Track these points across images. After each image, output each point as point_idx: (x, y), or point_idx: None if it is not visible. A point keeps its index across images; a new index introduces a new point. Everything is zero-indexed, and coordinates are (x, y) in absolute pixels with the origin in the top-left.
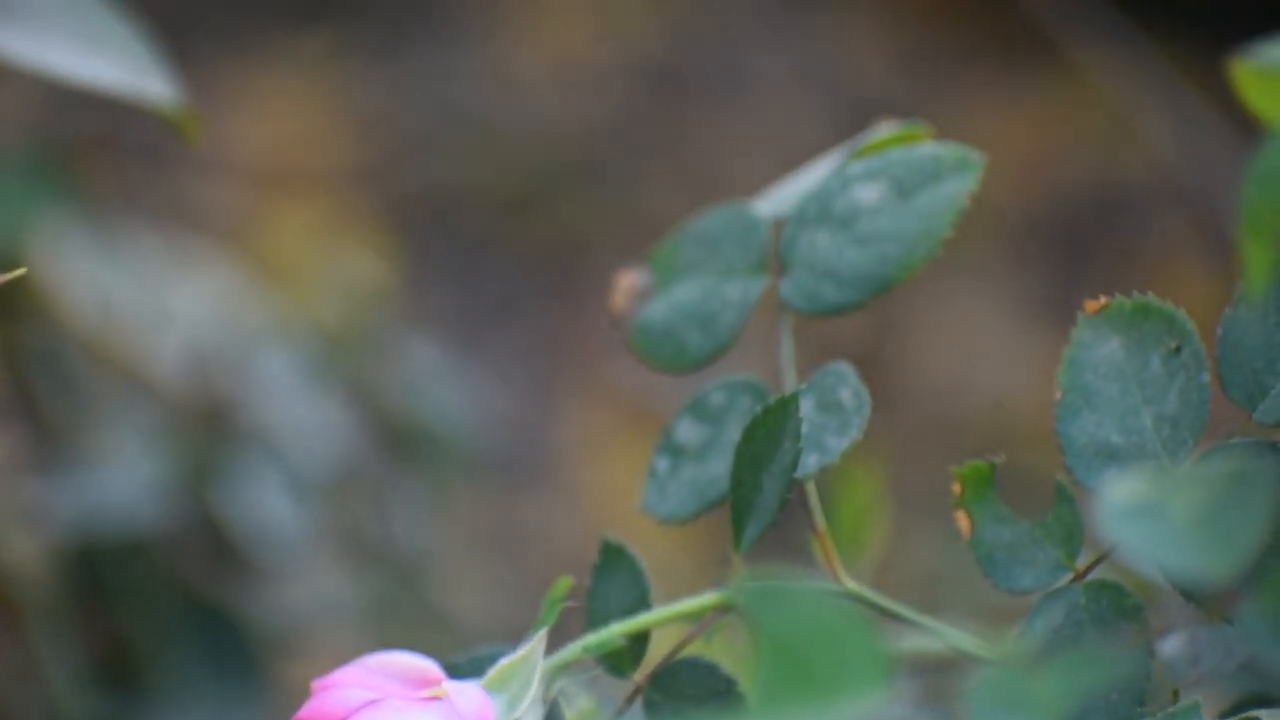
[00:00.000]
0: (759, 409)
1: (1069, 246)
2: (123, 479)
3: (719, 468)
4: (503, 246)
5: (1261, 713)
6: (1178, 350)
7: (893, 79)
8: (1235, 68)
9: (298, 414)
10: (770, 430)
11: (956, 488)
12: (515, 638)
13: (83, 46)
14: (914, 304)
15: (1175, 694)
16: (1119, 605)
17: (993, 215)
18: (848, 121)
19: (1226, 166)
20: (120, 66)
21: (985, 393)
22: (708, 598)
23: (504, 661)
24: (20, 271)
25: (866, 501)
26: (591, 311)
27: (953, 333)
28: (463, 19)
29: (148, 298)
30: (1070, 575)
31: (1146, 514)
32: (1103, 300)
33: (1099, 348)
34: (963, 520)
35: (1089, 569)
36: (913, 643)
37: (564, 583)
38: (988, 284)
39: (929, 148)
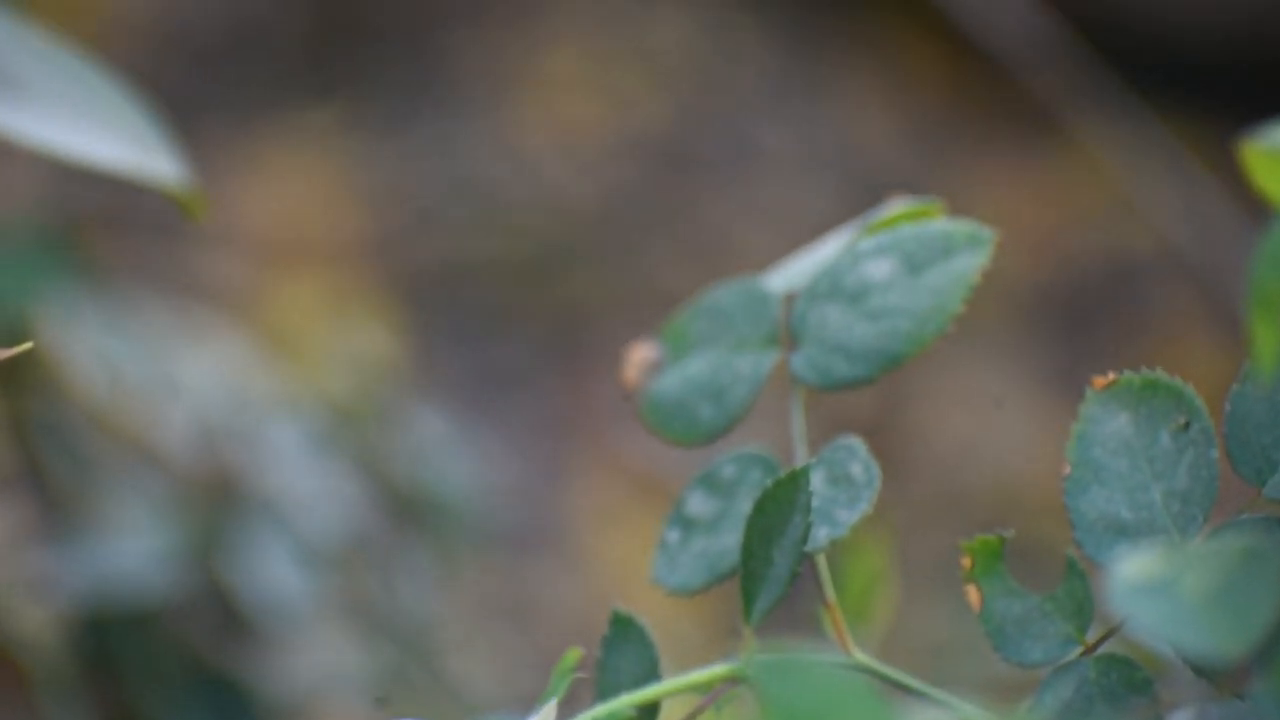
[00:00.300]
0: (770, 482)
1: (1077, 320)
2: (130, 549)
3: (730, 540)
4: (511, 318)
5: None
6: (1186, 426)
7: (900, 154)
8: (1244, 149)
9: (305, 484)
10: (781, 504)
11: (966, 561)
12: (524, 707)
13: (87, 124)
14: (923, 375)
15: None
16: (1129, 679)
17: (1002, 288)
18: (855, 196)
19: (1233, 241)
20: (125, 144)
21: (993, 464)
22: (718, 669)
23: None
24: (27, 345)
25: (874, 572)
26: (600, 383)
27: (961, 404)
28: (471, 93)
29: (155, 369)
30: (1080, 649)
31: (1158, 591)
32: (1111, 376)
33: (1108, 423)
34: (973, 594)
35: (1099, 643)
36: (923, 715)
37: (573, 654)
38: (996, 356)
39: (940, 224)
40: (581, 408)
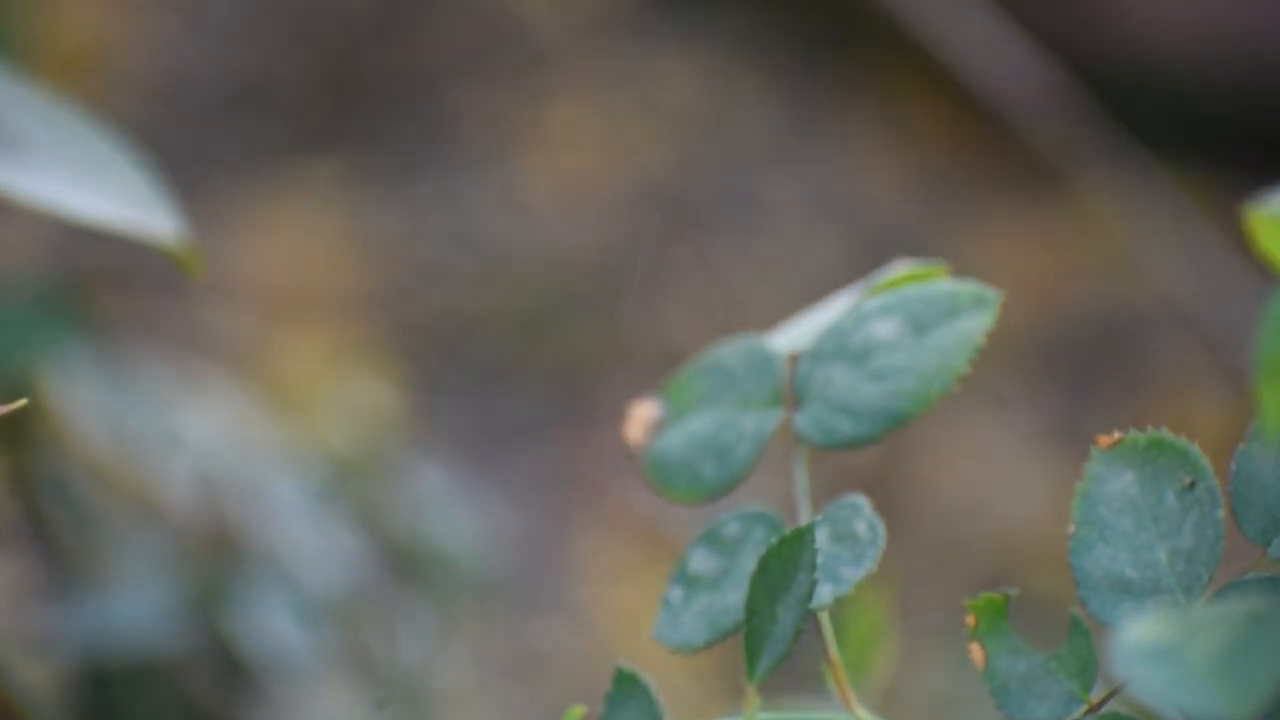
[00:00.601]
0: (775, 540)
1: (1080, 373)
2: (132, 602)
3: (733, 598)
4: (514, 371)
5: None
6: (1192, 486)
7: (903, 206)
8: (1250, 216)
9: (307, 538)
10: (786, 562)
11: (971, 620)
12: None
13: (84, 181)
14: (926, 427)
15: None
16: None
17: (1005, 340)
18: (859, 248)
19: (1237, 294)
20: (122, 201)
21: (997, 515)
22: None
23: None
24: (22, 403)
25: (876, 626)
26: (604, 436)
27: (964, 455)
28: (474, 146)
29: (157, 423)
30: (1084, 708)
31: (1163, 656)
32: (1116, 435)
33: (1113, 482)
34: (977, 652)
35: (1103, 702)
36: None
37: (577, 711)
38: (1000, 408)
39: (946, 285)
40: (585, 461)
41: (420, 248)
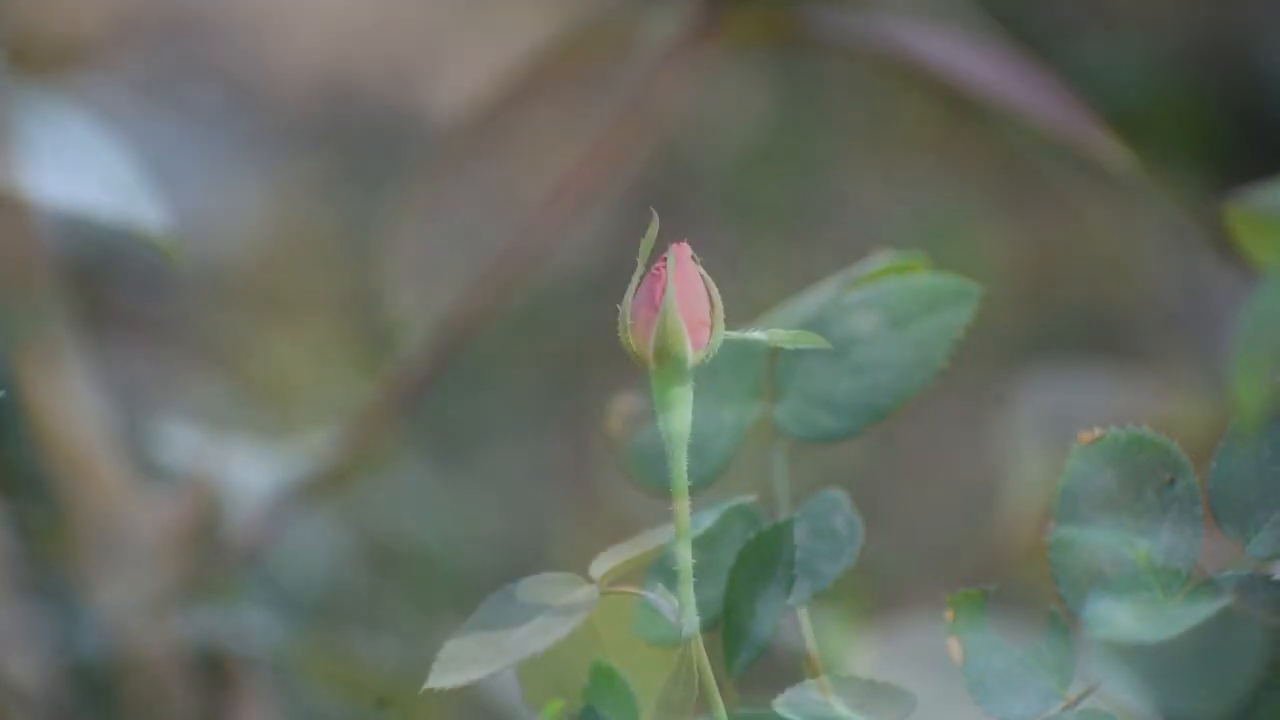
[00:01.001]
0: (753, 535)
1: (1065, 370)
2: (113, 599)
3: (713, 591)
4: (499, 368)
5: None
6: (1172, 483)
7: (890, 206)
8: (1230, 213)
9: (288, 534)
10: (764, 557)
11: (949, 615)
12: None
13: (71, 171)
14: (909, 423)
15: None
16: None
17: (991, 339)
18: (845, 249)
19: (1221, 296)
20: (108, 191)
21: (979, 512)
22: None
23: None
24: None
25: (856, 621)
26: (589, 432)
27: (948, 452)
28: (461, 142)
29: (140, 419)
30: (1062, 703)
31: (1140, 653)
32: (1098, 431)
33: (1094, 479)
34: (955, 646)
35: (1081, 698)
36: None
37: (555, 705)
38: (985, 405)
39: (926, 278)
40: (571, 459)
41: (405, 245)
